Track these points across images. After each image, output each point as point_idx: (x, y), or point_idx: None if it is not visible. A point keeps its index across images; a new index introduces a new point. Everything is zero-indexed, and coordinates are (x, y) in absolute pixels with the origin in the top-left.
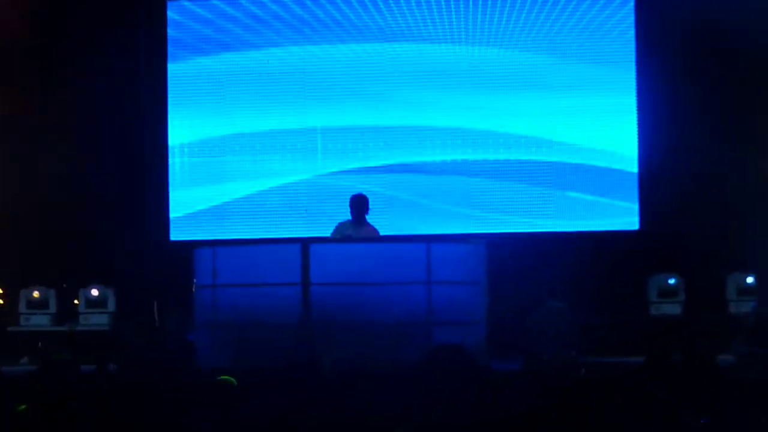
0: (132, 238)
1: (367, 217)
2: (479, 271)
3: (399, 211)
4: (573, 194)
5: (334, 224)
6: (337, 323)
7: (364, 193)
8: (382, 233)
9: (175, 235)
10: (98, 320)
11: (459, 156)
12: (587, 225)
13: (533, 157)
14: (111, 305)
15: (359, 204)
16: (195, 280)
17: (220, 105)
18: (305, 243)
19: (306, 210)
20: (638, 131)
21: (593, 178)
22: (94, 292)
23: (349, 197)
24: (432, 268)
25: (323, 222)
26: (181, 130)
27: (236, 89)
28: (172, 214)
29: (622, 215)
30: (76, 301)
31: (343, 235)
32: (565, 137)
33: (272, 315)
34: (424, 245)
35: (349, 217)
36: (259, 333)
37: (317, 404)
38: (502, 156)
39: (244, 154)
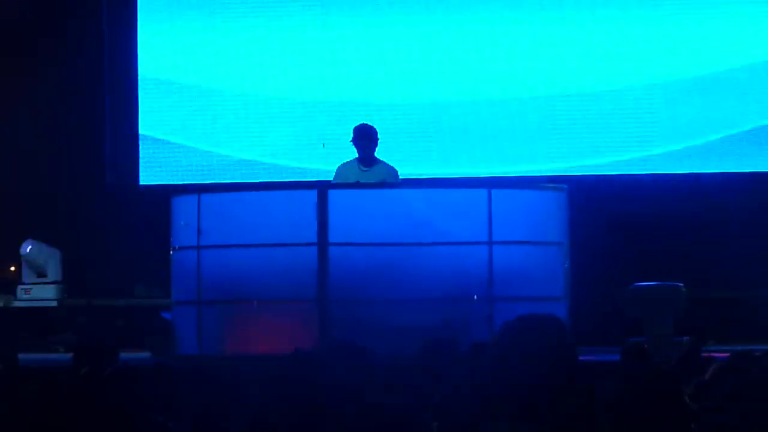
0: (86, 179)
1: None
2: (559, 227)
3: (444, 145)
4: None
5: None
6: (365, 297)
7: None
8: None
9: (146, 177)
10: (42, 293)
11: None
12: (713, 165)
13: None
14: (55, 272)
15: (367, 136)
16: (173, 240)
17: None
18: (322, 189)
19: (323, 144)
20: None
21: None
22: (28, 249)
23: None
24: (494, 224)
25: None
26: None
27: None
28: (141, 149)
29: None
30: (13, 268)
31: (347, 181)
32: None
33: (278, 287)
34: (484, 191)
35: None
36: (261, 311)
37: (338, 405)
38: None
39: (237, 66)
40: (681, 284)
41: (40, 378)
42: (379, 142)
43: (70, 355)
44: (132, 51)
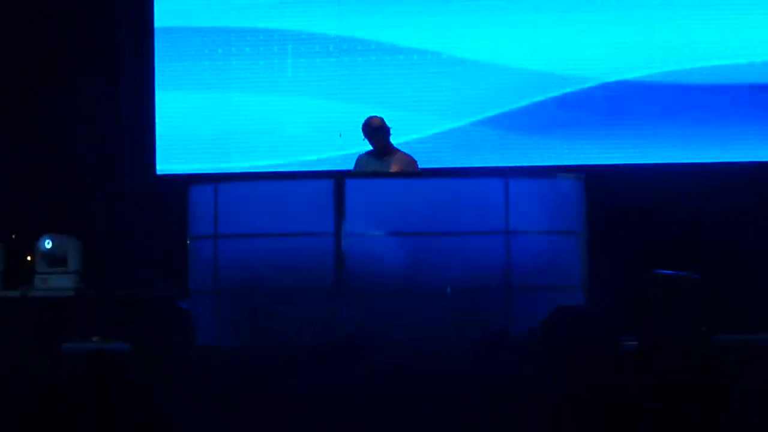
0: (104, 170)
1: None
2: (576, 216)
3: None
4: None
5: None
6: (383, 287)
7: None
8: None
9: (163, 165)
10: (59, 282)
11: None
12: (725, 156)
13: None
14: (75, 263)
15: (374, 128)
16: (189, 230)
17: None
18: (339, 178)
19: (340, 134)
20: None
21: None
22: (48, 245)
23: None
24: (512, 213)
25: (364, 149)
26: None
27: None
28: (158, 138)
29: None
30: (29, 258)
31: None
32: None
33: (295, 276)
34: (501, 180)
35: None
36: (277, 301)
37: (356, 397)
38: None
39: (255, 57)
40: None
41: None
42: (391, 129)
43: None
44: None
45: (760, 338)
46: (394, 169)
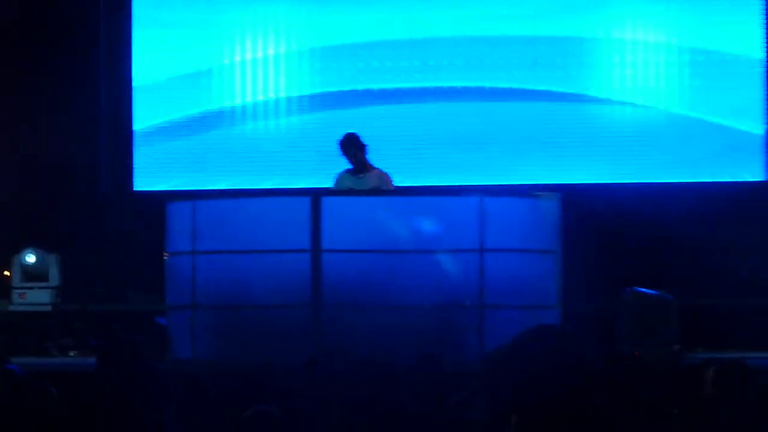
0: (83, 186)
1: (369, 158)
2: (551, 235)
3: (438, 153)
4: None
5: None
6: (358, 304)
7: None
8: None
9: (140, 183)
10: (37, 297)
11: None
12: (699, 175)
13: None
14: (54, 278)
15: (350, 145)
16: (167, 246)
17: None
18: (316, 196)
19: (317, 150)
20: None
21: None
22: (30, 260)
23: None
24: (486, 231)
25: (341, 167)
26: (147, 41)
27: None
28: (135, 156)
29: (744, 165)
30: (7, 273)
31: (341, 188)
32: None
33: (271, 292)
34: (476, 199)
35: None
36: (254, 316)
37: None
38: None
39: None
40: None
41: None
42: (367, 147)
43: (63, 358)
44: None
45: (733, 355)
46: (370, 185)
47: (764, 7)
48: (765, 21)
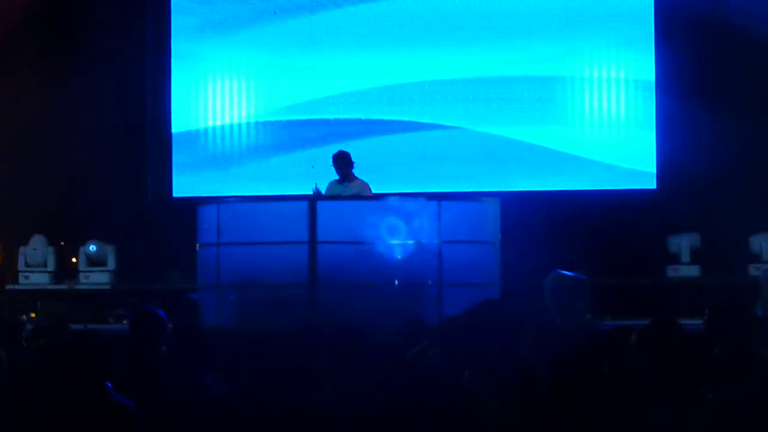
0: (133, 194)
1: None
2: (492, 230)
3: (405, 170)
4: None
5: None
6: (346, 283)
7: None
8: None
9: (178, 191)
10: (98, 279)
11: (470, 112)
12: (602, 184)
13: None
14: (111, 263)
15: (339, 159)
16: (198, 239)
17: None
18: (312, 200)
19: (312, 165)
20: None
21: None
22: (92, 248)
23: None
24: (443, 227)
25: (333, 177)
26: (186, 82)
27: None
28: (174, 170)
29: (640, 177)
30: (74, 260)
31: (331, 194)
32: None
33: (278, 275)
34: (435, 203)
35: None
36: (264, 293)
37: (323, 369)
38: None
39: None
40: (584, 277)
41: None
42: (354, 164)
43: (117, 325)
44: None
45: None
46: (353, 192)
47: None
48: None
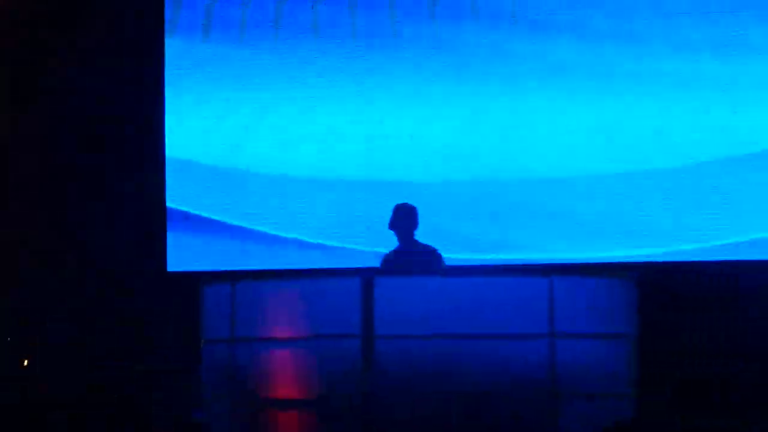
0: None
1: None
2: (627, 319)
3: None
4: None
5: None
6: (416, 393)
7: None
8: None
9: (174, 263)
10: None
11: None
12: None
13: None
14: None
15: (408, 216)
16: (203, 332)
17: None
18: (367, 277)
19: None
20: None
21: None
22: None
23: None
24: (556, 314)
25: (391, 240)
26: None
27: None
28: (169, 233)
29: None
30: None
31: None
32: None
33: (319, 383)
34: (545, 280)
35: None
36: (304, 413)
37: None
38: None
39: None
40: None
41: None
42: (419, 223)
43: None
44: (159, 132)
45: None
46: (421, 265)
47: None
48: None
